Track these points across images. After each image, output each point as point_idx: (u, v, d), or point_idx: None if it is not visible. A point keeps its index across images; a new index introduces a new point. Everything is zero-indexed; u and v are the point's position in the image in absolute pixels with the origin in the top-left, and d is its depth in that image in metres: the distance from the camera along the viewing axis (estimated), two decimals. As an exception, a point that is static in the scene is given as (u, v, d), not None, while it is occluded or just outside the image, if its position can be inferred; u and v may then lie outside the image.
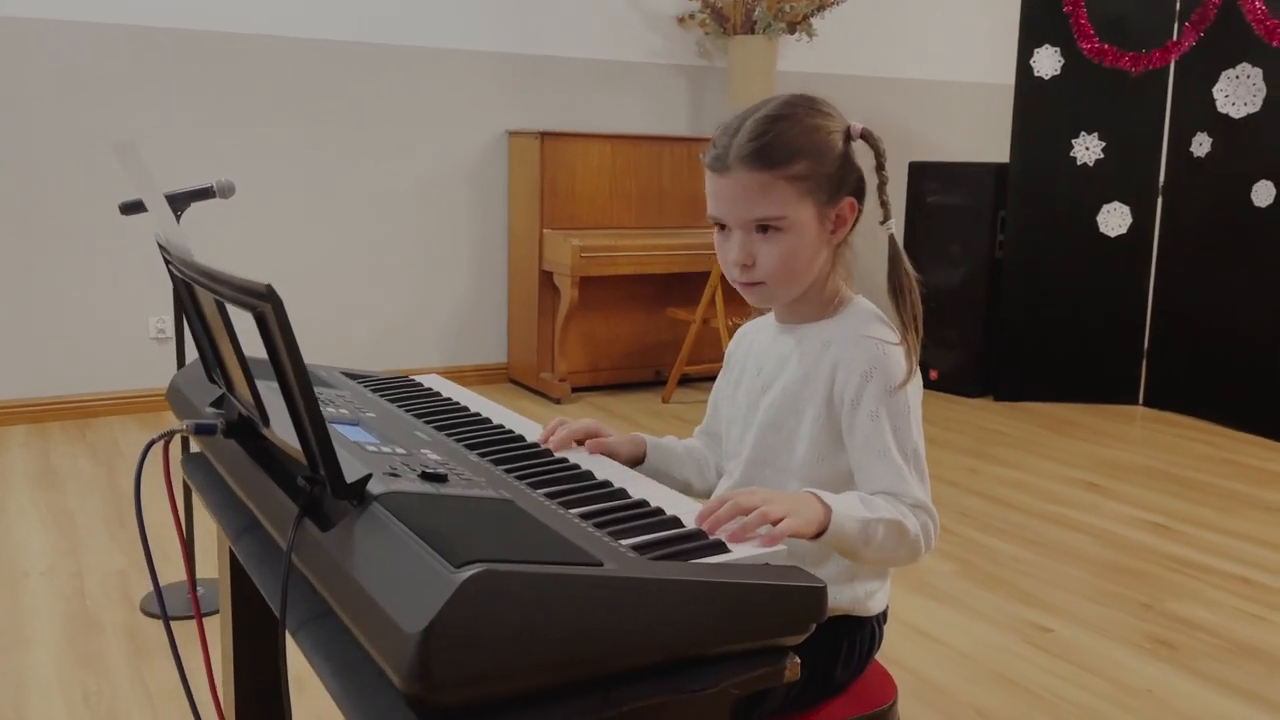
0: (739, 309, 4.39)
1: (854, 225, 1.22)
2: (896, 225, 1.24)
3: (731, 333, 4.25)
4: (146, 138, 4.03)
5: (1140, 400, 4.61)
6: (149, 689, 2.09)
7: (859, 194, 1.21)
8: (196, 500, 2.20)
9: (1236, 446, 4.02)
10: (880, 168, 1.20)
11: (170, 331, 4.18)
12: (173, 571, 2.63)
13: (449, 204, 4.67)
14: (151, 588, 2.50)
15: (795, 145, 1.15)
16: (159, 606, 1.05)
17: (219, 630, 2.17)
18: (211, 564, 2.66)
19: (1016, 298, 4.60)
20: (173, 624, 2.33)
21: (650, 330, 4.79)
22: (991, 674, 2.22)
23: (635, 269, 4.47)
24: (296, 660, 1.74)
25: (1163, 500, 3.38)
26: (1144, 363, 4.61)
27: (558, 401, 4.46)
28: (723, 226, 1.20)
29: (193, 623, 2.37)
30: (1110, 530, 3.09)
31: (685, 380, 4.76)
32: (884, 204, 1.20)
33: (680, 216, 4.79)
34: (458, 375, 4.19)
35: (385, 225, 4.54)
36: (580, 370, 4.64)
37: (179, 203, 2.42)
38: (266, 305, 0.82)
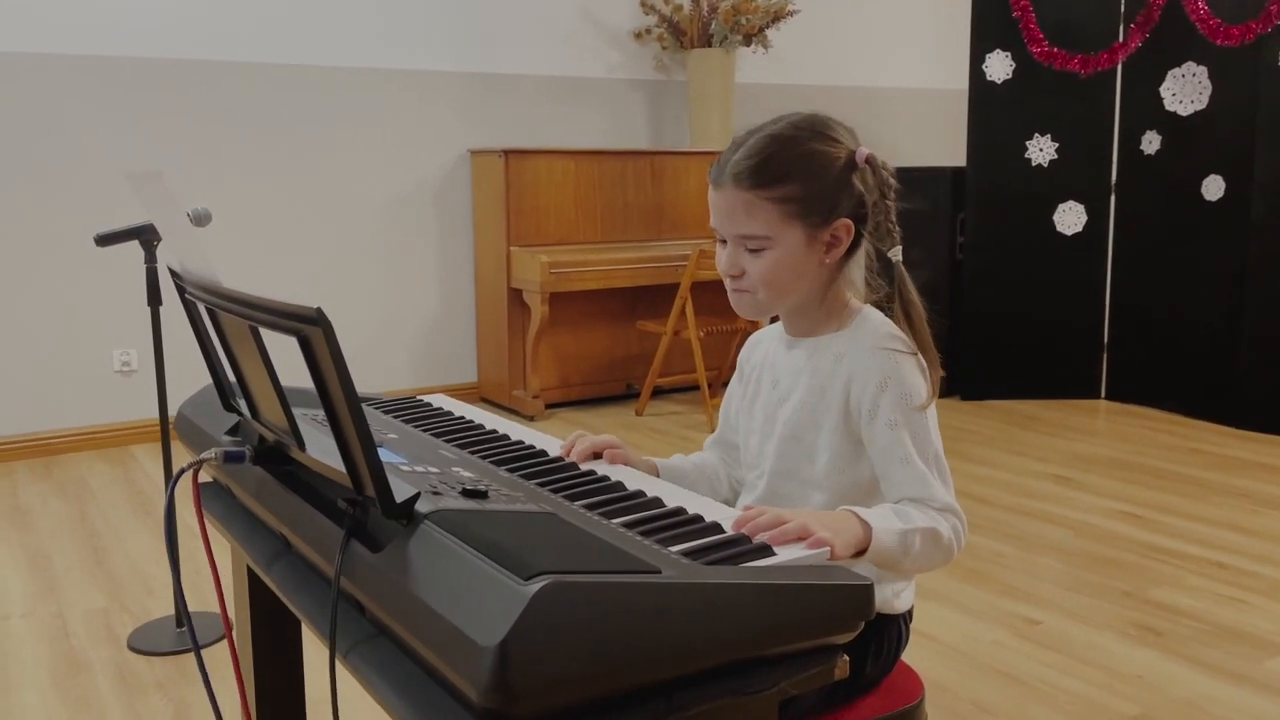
0: (709, 320, 4.44)
1: (854, 246, 1.21)
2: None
3: (703, 344, 4.30)
4: (105, 168, 3.97)
5: (1102, 394, 4.70)
6: (146, 726, 2.06)
7: (858, 217, 1.20)
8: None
9: (1198, 434, 4.12)
10: (884, 195, 1.20)
11: (136, 364, 4.12)
12: (157, 608, 2.59)
13: (414, 224, 4.65)
14: (136, 625, 2.47)
15: (787, 168, 1.17)
16: (191, 639, 1.04)
17: (219, 660, 2.14)
18: (197, 596, 2.63)
19: (979, 298, 4.68)
20: (160, 660, 2.31)
21: (620, 344, 4.80)
22: (986, 668, 2.25)
23: (603, 283, 4.49)
24: (312, 683, 1.72)
25: (1132, 490, 3.45)
26: (1104, 356, 4.71)
27: (531, 419, 4.45)
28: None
29: (183, 658, 2.34)
30: (1085, 521, 3.16)
31: (658, 392, 4.78)
32: (889, 231, 1.20)
33: (645, 230, 4.81)
34: (429, 395, 4.17)
35: (351, 247, 4.52)
36: (552, 386, 4.64)
37: (152, 234, 2.40)
38: (316, 329, 0.82)
